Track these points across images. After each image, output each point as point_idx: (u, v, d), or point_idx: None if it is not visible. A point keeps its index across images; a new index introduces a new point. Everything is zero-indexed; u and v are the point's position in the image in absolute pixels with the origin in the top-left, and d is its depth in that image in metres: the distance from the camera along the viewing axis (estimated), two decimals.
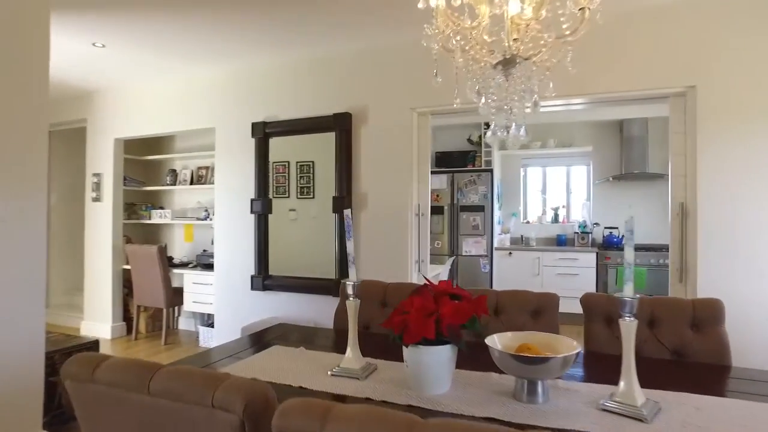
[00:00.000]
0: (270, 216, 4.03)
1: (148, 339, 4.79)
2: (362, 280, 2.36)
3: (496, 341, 1.42)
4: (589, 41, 3.28)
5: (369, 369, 1.55)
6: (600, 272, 5.59)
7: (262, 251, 3.98)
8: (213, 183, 4.79)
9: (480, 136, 6.16)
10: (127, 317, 4.96)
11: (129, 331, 4.89)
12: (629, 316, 1.28)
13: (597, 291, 5.58)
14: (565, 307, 5.74)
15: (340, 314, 2.22)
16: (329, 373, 1.53)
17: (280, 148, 4.04)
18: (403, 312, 1.39)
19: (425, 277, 1.49)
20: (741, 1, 2.88)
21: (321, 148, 3.96)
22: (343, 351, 1.59)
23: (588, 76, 3.16)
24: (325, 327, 2.38)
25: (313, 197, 4.03)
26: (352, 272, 1.59)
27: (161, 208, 5.20)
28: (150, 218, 5.09)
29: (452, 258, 5.80)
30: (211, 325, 4.50)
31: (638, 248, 5.62)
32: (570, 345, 1.36)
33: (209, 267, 4.54)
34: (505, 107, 1.54)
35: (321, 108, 3.84)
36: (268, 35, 3.51)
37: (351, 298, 1.58)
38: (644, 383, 1.29)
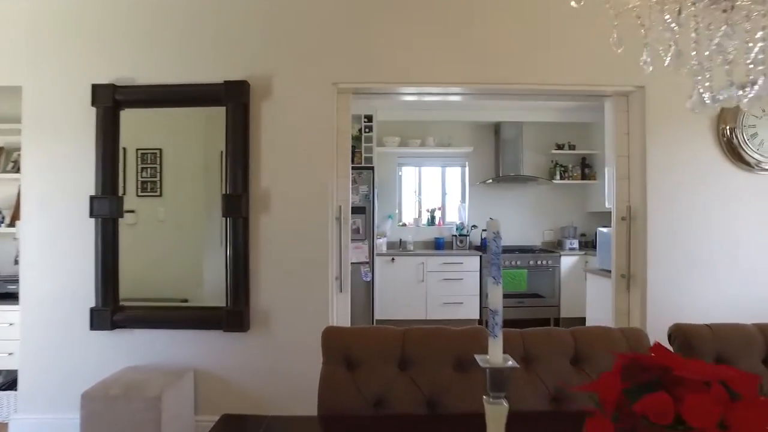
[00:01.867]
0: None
1: None
2: (350, 327, 1.54)
3: None
4: (534, 29, 2.98)
5: None
6: (484, 276, 5.48)
7: (110, 272, 2.71)
8: (13, 171, 3.25)
9: (360, 130, 5.55)
10: None
11: None
12: None
13: (481, 295, 5.46)
14: (452, 312, 5.50)
15: (331, 391, 1.36)
16: None
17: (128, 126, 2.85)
18: (651, 425, 0.69)
19: (661, 346, 0.80)
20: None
21: (190, 128, 2.93)
22: None
23: (529, 63, 2.81)
24: (266, 405, 1.48)
25: (161, 195, 2.96)
26: (495, 343, 0.82)
27: None
28: None
29: None
30: (10, 387, 2.98)
31: (516, 250, 5.68)
32: None
33: (8, 298, 3.00)
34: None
35: (204, 72, 2.77)
36: None
37: (492, 399, 0.80)
38: None
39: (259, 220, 2.80)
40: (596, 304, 3.61)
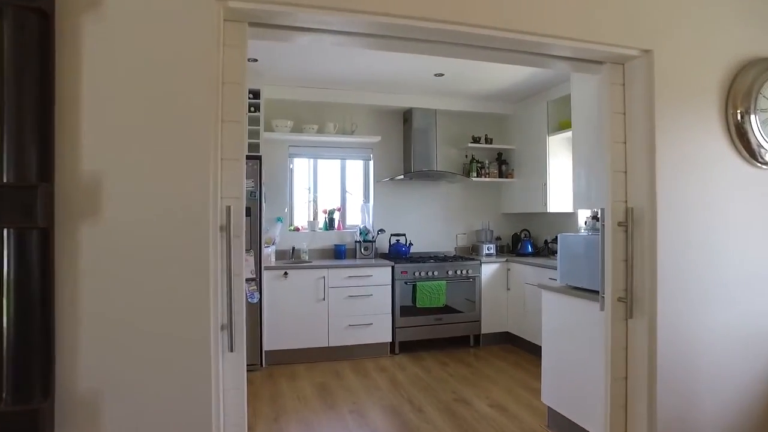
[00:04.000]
0: None
1: None
2: None
3: None
4: None
5: None
6: (396, 290, 4.58)
7: None
8: None
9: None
10: None
11: None
12: None
13: (393, 313, 4.56)
14: (360, 336, 4.50)
15: None
16: None
17: None
18: None
19: None
20: None
21: None
22: None
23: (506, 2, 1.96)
24: None
25: None
26: None
27: None
28: None
29: None
30: None
31: (431, 258, 4.89)
32: None
33: None
34: None
35: None
36: None
37: None
38: None
39: (76, 233, 1.52)
40: (557, 328, 2.90)
